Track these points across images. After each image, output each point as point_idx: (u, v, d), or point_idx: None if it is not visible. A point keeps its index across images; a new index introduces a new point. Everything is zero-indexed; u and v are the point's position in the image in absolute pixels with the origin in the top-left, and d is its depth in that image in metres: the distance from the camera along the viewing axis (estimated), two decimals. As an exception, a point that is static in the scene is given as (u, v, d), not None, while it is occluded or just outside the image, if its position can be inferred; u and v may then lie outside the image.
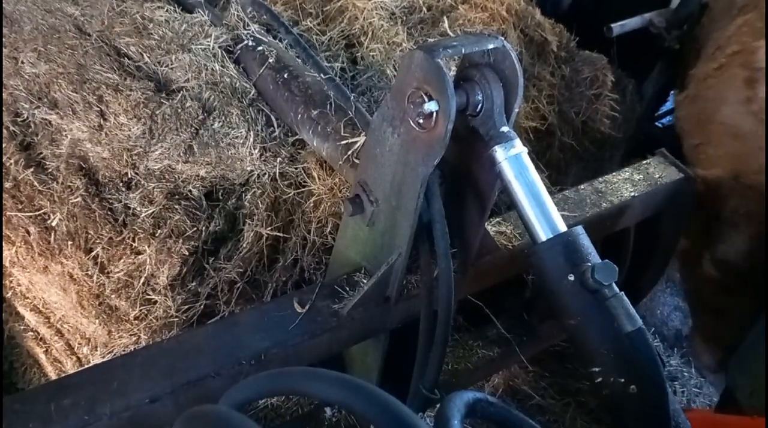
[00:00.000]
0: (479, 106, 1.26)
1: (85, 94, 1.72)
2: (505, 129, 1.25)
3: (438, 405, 0.91)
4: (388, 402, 0.74)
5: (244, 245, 1.78)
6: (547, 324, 2.28)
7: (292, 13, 2.09)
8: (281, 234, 1.82)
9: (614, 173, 2.00)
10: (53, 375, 2.03)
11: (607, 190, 1.90)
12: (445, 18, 2.14)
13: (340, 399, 0.76)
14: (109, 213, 1.70)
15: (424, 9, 2.22)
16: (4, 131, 1.71)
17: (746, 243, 2.25)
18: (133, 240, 1.70)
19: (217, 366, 1.26)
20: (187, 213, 1.70)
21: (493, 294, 2.18)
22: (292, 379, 0.81)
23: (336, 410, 2.01)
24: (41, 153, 1.72)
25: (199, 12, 1.98)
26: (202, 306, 1.78)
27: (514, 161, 1.26)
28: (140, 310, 1.75)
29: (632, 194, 1.90)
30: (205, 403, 0.81)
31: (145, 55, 1.82)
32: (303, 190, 1.82)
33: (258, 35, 1.91)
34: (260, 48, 1.87)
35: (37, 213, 1.69)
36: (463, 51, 1.20)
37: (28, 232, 1.70)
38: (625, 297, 1.19)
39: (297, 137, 1.83)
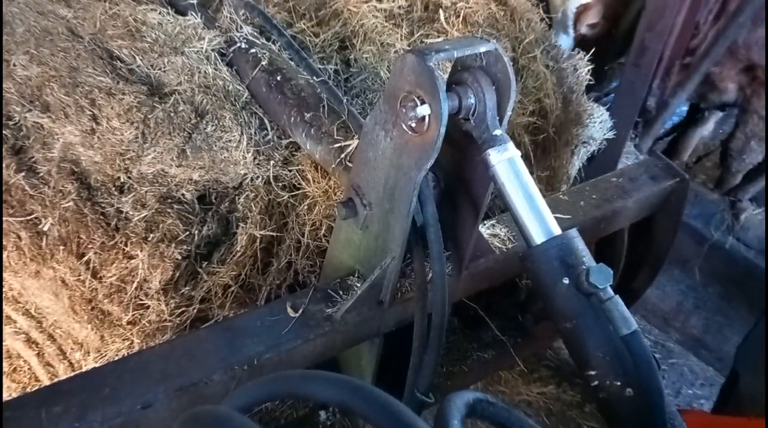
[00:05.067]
0: (472, 110, 1.25)
1: (77, 97, 1.70)
2: (498, 132, 1.25)
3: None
4: (391, 404, 0.74)
5: (238, 248, 1.78)
6: (541, 325, 2.28)
7: (286, 15, 2.08)
8: (275, 234, 1.81)
9: (608, 175, 2.00)
10: (44, 379, 2.02)
11: (600, 192, 1.90)
12: (440, 11, 2.14)
13: (345, 401, 0.76)
14: (102, 217, 1.69)
15: (421, 8, 2.21)
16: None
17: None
18: (126, 245, 1.69)
19: (209, 372, 1.26)
20: (180, 217, 1.70)
21: (488, 296, 2.18)
22: (295, 382, 0.81)
23: (330, 413, 2.00)
24: (33, 157, 1.70)
25: (191, 14, 1.96)
26: (195, 311, 1.77)
27: (507, 164, 1.26)
28: (133, 315, 1.74)
29: (626, 196, 1.90)
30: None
31: (137, 58, 1.80)
32: (297, 192, 1.81)
33: (251, 38, 1.90)
34: (253, 50, 1.86)
35: (28, 217, 1.68)
36: (455, 54, 1.20)
37: (19, 237, 1.69)
38: (620, 300, 1.19)
39: (291, 140, 1.82)
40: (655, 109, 3.57)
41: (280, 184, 1.80)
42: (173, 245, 1.69)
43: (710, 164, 4.54)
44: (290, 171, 1.81)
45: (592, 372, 1.21)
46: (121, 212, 1.69)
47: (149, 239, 1.68)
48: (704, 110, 4.17)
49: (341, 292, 1.47)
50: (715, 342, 3.38)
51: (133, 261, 1.69)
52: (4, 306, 1.91)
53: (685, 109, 4.59)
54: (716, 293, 3.45)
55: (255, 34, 1.94)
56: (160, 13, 1.93)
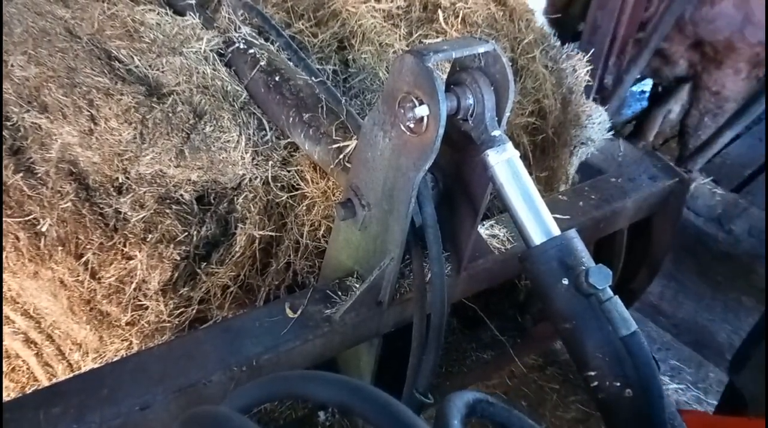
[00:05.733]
0: (470, 110, 1.25)
1: (75, 97, 1.70)
2: (497, 133, 1.25)
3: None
4: (391, 404, 0.74)
5: (237, 249, 1.77)
6: (540, 326, 2.28)
7: (284, 16, 2.08)
8: (274, 235, 1.81)
9: (606, 175, 2.00)
10: (43, 379, 2.02)
11: (600, 192, 1.90)
12: (439, 12, 2.13)
13: (345, 402, 0.76)
14: (100, 218, 1.69)
15: (420, 8, 2.21)
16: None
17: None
18: (124, 246, 1.69)
19: (208, 373, 1.26)
20: (179, 217, 1.69)
21: (487, 296, 2.18)
22: (295, 383, 0.81)
23: (329, 414, 2.00)
24: (31, 157, 1.70)
25: (190, 15, 1.96)
26: (194, 311, 1.77)
27: (506, 165, 1.26)
28: (132, 316, 1.74)
29: (625, 196, 1.90)
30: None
31: (136, 58, 1.80)
32: (296, 193, 1.81)
33: (249, 38, 1.90)
34: (251, 51, 1.86)
35: (26, 218, 1.67)
36: (453, 55, 1.20)
37: (17, 238, 1.68)
38: (620, 301, 1.18)
39: (289, 140, 1.82)
40: (612, 86, 3.66)
41: (279, 185, 1.79)
42: (172, 246, 1.69)
43: (676, 145, 4.72)
44: (289, 171, 1.81)
45: (592, 373, 1.21)
46: (120, 213, 1.69)
47: (148, 240, 1.68)
48: (661, 87, 4.33)
49: (340, 293, 1.47)
50: (670, 308, 3.50)
51: (131, 261, 1.69)
52: (3, 307, 1.91)
53: (648, 91, 4.77)
54: (669, 260, 3.60)
55: (253, 34, 1.94)
56: (158, 14, 1.93)
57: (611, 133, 2.42)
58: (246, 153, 1.73)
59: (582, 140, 2.28)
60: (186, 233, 1.70)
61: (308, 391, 0.78)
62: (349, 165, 1.55)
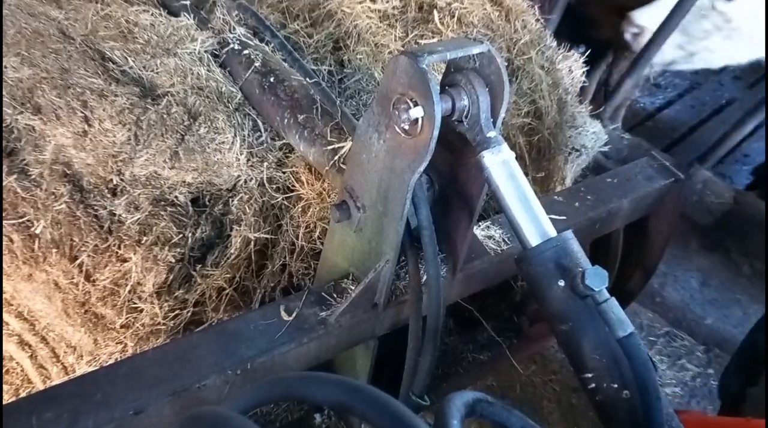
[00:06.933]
0: (465, 112, 1.25)
1: (69, 99, 1.69)
2: (492, 134, 1.25)
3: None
4: (392, 404, 0.73)
5: (232, 251, 1.77)
6: (536, 327, 2.28)
7: (279, 16, 2.07)
8: (269, 237, 1.80)
9: (603, 175, 2.00)
10: (37, 381, 2.01)
11: (596, 192, 1.89)
12: (435, 12, 2.13)
13: (346, 402, 0.75)
14: (94, 220, 1.68)
15: (416, 9, 2.20)
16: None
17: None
18: (119, 248, 1.68)
19: (202, 376, 1.25)
20: (174, 219, 1.69)
21: (483, 298, 2.17)
22: (295, 384, 0.80)
23: (326, 416, 2.00)
24: (24, 159, 1.69)
25: (184, 16, 1.95)
26: (189, 314, 1.77)
27: (502, 166, 1.25)
28: (126, 318, 1.73)
29: (621, 197, 1.90)
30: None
31: (130, 59, 1.79)
32: (291, 194, 1.80)
33: (244, 39, 1.89)
34: (246, 52, 1.85)
35: (20, 220, 1.66)
36: (448, 56, 1.19)
37: (11, 240, 1.67)
38: (616, 302, 1.18)
39: (284, 141, 1.81)
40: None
41: (274, 186, 1.79)
42: (167, 248, 1.68)
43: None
44: (284, 173, 1.80)
45: (589, 375, 1.21)
46: (114, 215, 1.68)
47: (142, 242, 1.67)
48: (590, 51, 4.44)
49: (335, 295, 1.46)
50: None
51: (126, 264, 1.68)
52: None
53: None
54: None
55: (248, 35, 1.93)
56: (152, 15, 1.92)
57: (607, 146, 2.42)
58: (241, 154, 1.73)
59: (576, 146, 2.28)
60: (181, 235, 1.70)
61: (308, 392, 0.78)
62: (344, 166, 1.54)
